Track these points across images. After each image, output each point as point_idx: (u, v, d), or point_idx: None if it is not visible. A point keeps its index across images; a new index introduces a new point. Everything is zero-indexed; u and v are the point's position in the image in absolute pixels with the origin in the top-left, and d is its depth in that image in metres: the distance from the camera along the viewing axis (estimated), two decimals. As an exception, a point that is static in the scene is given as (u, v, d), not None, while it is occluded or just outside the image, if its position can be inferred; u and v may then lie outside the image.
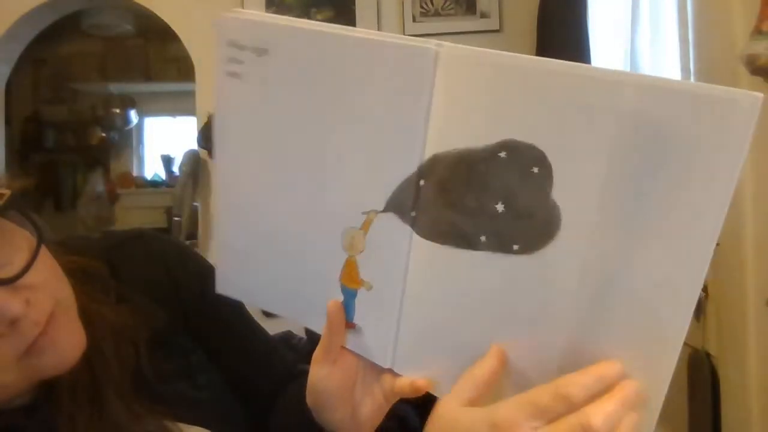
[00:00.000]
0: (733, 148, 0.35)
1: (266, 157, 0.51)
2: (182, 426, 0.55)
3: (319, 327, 0.52)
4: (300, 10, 2.39)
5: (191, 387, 0.60)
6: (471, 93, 0.41)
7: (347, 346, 0.51)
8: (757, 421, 1.02)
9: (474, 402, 0.42)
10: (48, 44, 3.62)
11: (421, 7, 2.37)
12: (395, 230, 0.46)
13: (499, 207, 0.41)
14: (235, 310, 0.68)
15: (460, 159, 0.42)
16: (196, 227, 2.48)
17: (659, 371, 0.39)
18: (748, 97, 0.34)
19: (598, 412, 0.37)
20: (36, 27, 2.70)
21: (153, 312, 0.59)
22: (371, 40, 0.44)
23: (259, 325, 0.71)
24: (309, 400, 0.54)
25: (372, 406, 0.53)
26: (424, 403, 0.57)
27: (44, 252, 0.48)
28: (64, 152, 4.21)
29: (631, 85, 0.36)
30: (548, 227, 0.39)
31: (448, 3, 2.37)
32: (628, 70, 1.37)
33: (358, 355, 0.51)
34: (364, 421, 0.53)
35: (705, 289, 1.15)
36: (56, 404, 0.50)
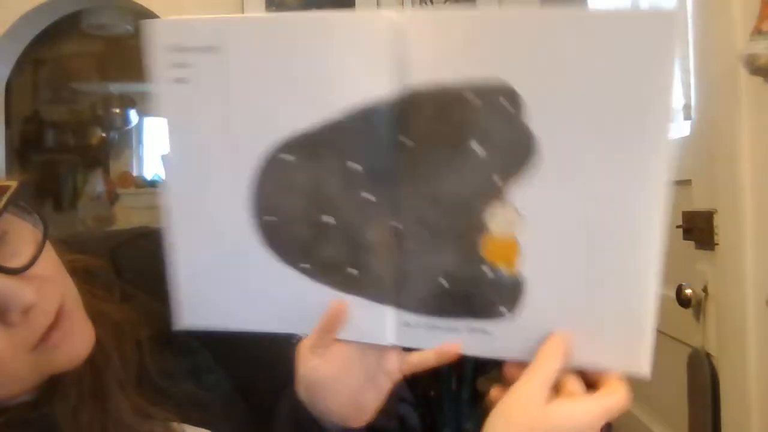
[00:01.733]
0: (662, 59, 0.41)
1: (230, 155, 0.49)
2: (187, 427, 0.54)
3: (300, 329, 0.53)
4: (300, 10, 2.39)
5: (198, 387, 0.60)
6: (438, 50, 0.44)
7: (340, 338, 0.51)
8: (757, 421, 1.02)
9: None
10: (48, 44, 3.61)
11: (422, 4, 2.37)
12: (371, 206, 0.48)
13: (477, 146, 0.45)
14: None
15: (435, 102, 0.45)
16: (196, 227, 2.48)
17: (641, 266, 0.46)
18: (662, 14, 0.40)
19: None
20: (36, 27, 2.70)
21: (158, 310, 0.58)
22: (331, 17, 0.46)
23: None
24: (302, 393, 0.54)
25: (375, 387, 0.54)
26: (425, 403, 0.57)
27: (48, 247, 0.48)
28: (64, 152, 4.21)
29: (571, 18, 0.42)
30: (527, 152, 0.44)
31: (448, 3, 2.36)
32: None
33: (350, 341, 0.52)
34: (367, 403, 0.54)
35: (705, 289, 1.15)
36: (60, 402, 0.50)
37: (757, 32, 0.90)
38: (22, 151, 3.96)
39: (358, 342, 0.51)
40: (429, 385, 2.04)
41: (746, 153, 1.01)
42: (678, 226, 1.20)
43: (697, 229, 1.14)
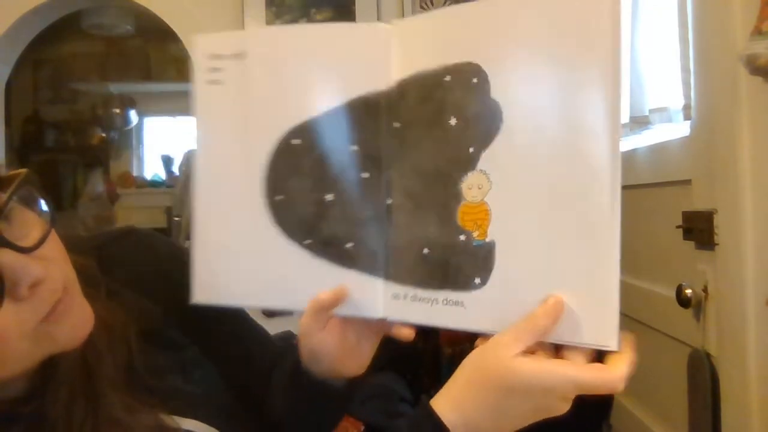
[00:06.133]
0: (607, 27, 0.45)
1: (248, 143, 0.57)
2: (176, 419, 0.55)
3: (299, 305, 0.57)
4: (300, 10, 2.39)
5: (185, 381, 0.61)
6: (420, 45, 0.52)
7: (338, 313, 0.57)
8: (757, 421, 1.02)
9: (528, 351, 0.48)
10: (48, 44, 3.61)
11: (421, 7, 2.37)
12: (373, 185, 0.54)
13: (452, 121, 0.51)
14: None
15: (418, 86, 0.52)
16: (196, 227, 2.48)
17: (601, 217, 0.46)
18: None
19: (623, 377, 0.45)
20: (36, 27, 2.70)
21: (144, 307, 0.60)
22: (335, 25, 0.56)
23: (248, 314, 0.74)
24: (310, 363, 0.60)
25: (366, 344, 0.61)
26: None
27: (53, 233, 0.50)
28: (64, 152, 4.21)
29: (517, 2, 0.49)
30: (494, 121, 0.49)
31: (448, 3, 2.37)
32: (628, 69, 1.37)
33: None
34: (363, 355, 0.61)
35: (705, 289, 1.15)
36: (52, 399, 0.50)
37: (757, 32, 0.90)
38: (22, 151, 3.96)
39: (354, 316, 0.57)
40: (429, 384, 2.04)
41: (746, 153, 1.01)
42: (678, 226, 1.20)
43: (697, 229, 1.14)
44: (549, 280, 0.48)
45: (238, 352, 0.70)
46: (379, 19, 2.38)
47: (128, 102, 4.29)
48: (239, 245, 0.58)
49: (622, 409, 1.64)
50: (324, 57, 0.55)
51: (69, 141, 4.29)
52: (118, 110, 4.27)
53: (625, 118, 1.41)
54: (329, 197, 0.55)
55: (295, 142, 0.56)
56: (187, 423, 0.56)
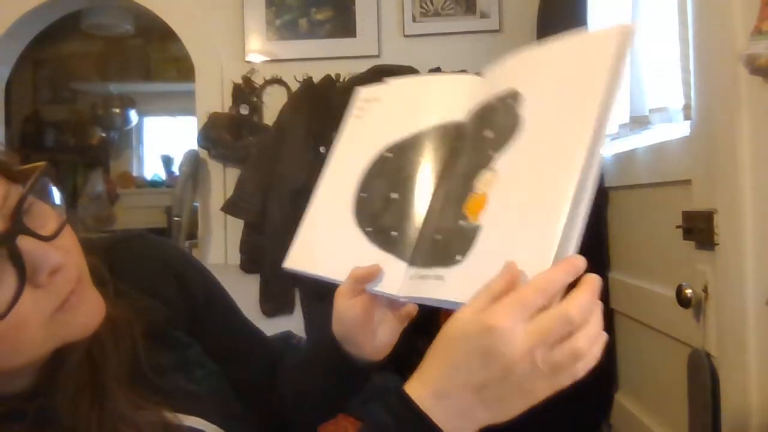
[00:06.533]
0: (601, 69, 0.53)
1: (360, 154, 0.75)
2: (180, 416, 0.56)
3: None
4: (300, 9, 2.39)
5: (188, 380, 0.62)
6: (489, 83, 0.65)
7: (368, 289, 0.66)
8: (757, 421, 1.02)
9: None
10: (48, 44, 3.62)
11: (421, 7, 2.37)
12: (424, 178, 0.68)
13: (488, 134, 0.61)
14: (231, 306, 0.74)
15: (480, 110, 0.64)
16: (196, 227, 2.48)
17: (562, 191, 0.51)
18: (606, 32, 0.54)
19: (576, 305, 0.46)
20: (36, 27, 2.70)
21: (150, 307, 0.61)
22: (436, 77, 0.77)
23: (247, 318, 0.76)
24: (337, 330, 0.68)
25: (388, 327, 0.69)
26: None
27: (68, 225, 0.52)
28: (64, 152, 4.21)
29: (546, 47, 0.60)
30: (513, 130, 0.58)
31: (448, 3, 2.36)
32: (628, 69, 1.37)
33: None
34: (384, 340, 0.69)
35: (705, 289, 1.15)
36: (58, 393, 0.52)
37: (757, 32, 0.91)
38: (22, 151, 3.96)
39: (377, 293, 0.66)
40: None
41: (746, 153, 1.01)
42: (678, 226, 1.20)
43: (697, 229, 1.14)
44: (513, 257, 0.52)
45: (240, 352, 0.72)
46: (378, 19, 2.38)
47: (128, 102, 4.29)
48: (329, 229, 0.73)
49: (622, 409, 1.64)
50: (425, 98, 0.73)
51: (69, 141, 4.30)
52: (118, 110, 4.27)
53: (625, 118, 1.41)
54: (395, 195, 0.69)
55: (387, 154, 0.72)
56: (189, 420, 0.57)
